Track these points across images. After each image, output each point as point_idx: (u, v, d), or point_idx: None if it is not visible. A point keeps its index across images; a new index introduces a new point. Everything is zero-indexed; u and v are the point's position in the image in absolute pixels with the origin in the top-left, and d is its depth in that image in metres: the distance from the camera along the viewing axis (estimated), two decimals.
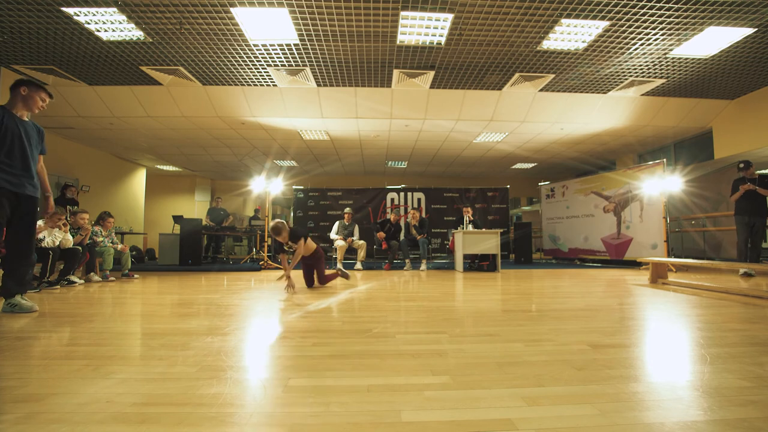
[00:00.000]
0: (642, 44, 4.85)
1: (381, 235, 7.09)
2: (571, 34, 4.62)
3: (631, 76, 5.78)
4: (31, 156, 2.63)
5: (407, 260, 6.86)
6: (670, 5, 4.03)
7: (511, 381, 1.32)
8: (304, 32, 4.57)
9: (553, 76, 5.77)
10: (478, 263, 6.66)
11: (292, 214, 9.90)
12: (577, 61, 5.31)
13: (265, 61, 5.31)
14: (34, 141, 2.67)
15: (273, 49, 4.98)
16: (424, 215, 9.07)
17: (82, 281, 4.58)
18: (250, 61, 5.28)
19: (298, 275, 4.64)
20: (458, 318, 2.45)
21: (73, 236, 4.52)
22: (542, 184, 9.67)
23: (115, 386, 1.27)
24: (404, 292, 3.79)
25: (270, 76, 5.75)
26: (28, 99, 2.64)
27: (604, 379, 1.33)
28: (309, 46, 4.90)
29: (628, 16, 4.23)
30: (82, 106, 6.45)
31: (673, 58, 5.23)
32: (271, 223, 3.89)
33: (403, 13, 4.18)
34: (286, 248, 3.98)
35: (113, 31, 4.51)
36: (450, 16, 4.24)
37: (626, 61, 5.31)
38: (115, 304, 3.08)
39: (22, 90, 2.61)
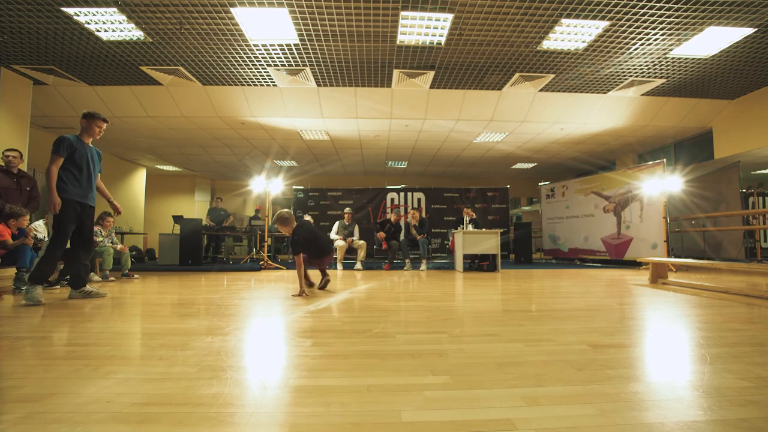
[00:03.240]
0: (642, 44, 4.85)
1: (381, 235, 7.08)
2: (571, 34, 4.62)
3: (631, 76, 5.78)
4: (93, 175, 3.30)
5: (407, 260, 6.86)
6: (670, 5, 4.03)
7: (511, 381, 1.32)
8: (304, 32, 4.57)
9: (553, 76, 5.77)
10: (478, 263, 6.66)
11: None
12: (577, 61, 5.31)
13: (265, 61, 5.31)
14: (95, 162, 3.35)
15: (273, 49, 4.98)
16: (424, 215, 9.07)
17: None
18: (250, 61, 5.28)
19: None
20: (458, 318, 2.45)
21: None
22: (542, 184, 9.67)
23: (115, 386, 1.27)
24: (404, 292, 3.79)
25: (270, 76, 5.75)
26: (88, 129, 3.28)
27: (604, 379, 1.33)
28: (309, 46, 4.90)
29: (628, 16, 4.23)
30: (82, 106, 6.44)
31: (673, 58, 5.23)
32: (279, 212, 3.57)
33: (403, 13, 4.18)
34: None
35: (113, 31, 4.51)
36: (450, 16, 4.24)
37: (626, 61, 5.31)
38: (115, 304, 3.08)
39: (82, 122, 3.28)
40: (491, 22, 4.37)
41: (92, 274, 4.81)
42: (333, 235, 7.18)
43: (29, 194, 4.39)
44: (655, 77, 5.83)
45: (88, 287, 3.30)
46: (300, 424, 1.01)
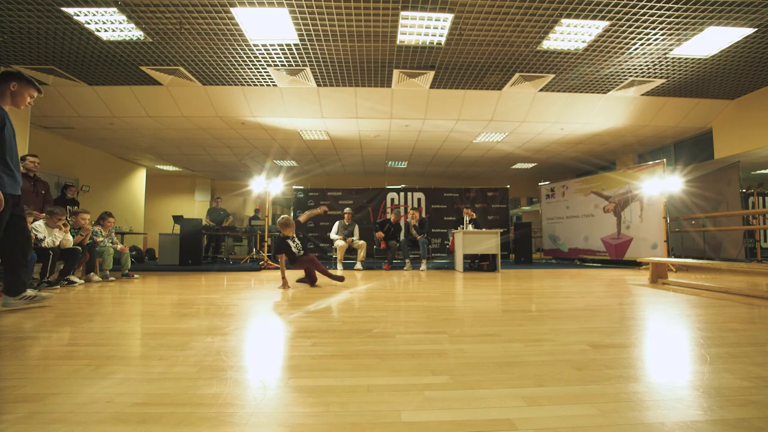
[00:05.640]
0: (642, 44, 4.84)
1: (380, 234, 7.08)
2: (571, 34, 4.62)
3: (631, 76, 5.78)
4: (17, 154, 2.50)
5: (407, 260, 6.86)
6: (670, 5, 4.03)
7: (511, 381, 1.32)
8: (304, 32, 4.57)
9: (553, 76, 5.76)
10: (478, 263, 6.66)
11: (292, 214, 9.90)
12: (577, 61, 5.30)
13: (265, 61, 5.31)
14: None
15: (273, 49, 4.98)
16: (424, 215, 9.07)
17: (82, 281, 4.58)
18: (250, 61, 5.28)
19: (292, 275, 4.65)
20: (458, 318, 2.45)
21: (73, 236, 4.52)
22: (542, 184, 9.67)
23: (115, 386, 1.27)
24: (404, 292, 3.79)
25: (270, 76, 5.75)
26: (17, 95, 2.46)
27: (604, 379, 1.33)
28: (309, 46, 4.90)
29: (628, 16, 4.23)
30: (82, 106, 6.45)
31: (673, 58, 5.23)
32: (282, 218, 4.21)
33: (403, 13, 4.18)
34: (292, 245, 4.19)
35: (113, 31, 4.51)
36: (450, 16, 4.24)
37: (626, 61, 5.31)
38: (115, 304, 3.08)
39: (11, 85, 2.42)
40: (491, 22, 4.37)
41: (92, 273, 4.82)
42: (333, 235, 7.19)
43: (44, 197, 4.58)
44: (655, 77, 5.83)
45: (29, 292, 2.70)
46: (300, 424, 1.01)
